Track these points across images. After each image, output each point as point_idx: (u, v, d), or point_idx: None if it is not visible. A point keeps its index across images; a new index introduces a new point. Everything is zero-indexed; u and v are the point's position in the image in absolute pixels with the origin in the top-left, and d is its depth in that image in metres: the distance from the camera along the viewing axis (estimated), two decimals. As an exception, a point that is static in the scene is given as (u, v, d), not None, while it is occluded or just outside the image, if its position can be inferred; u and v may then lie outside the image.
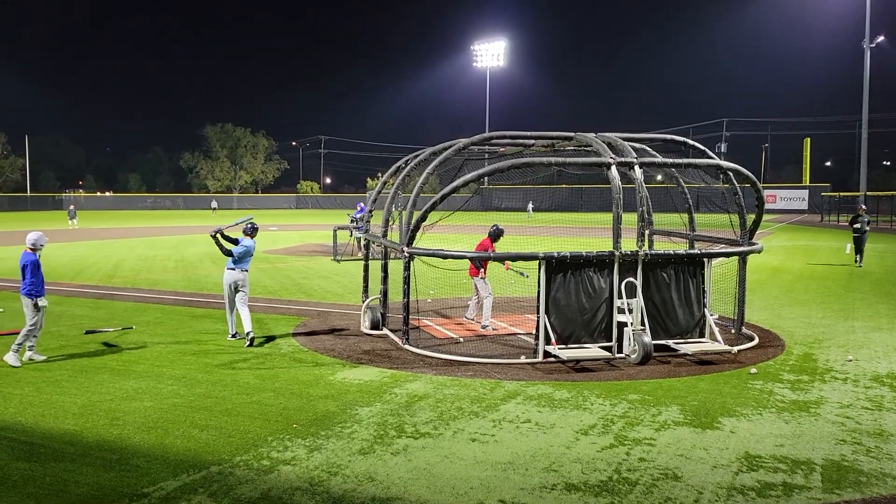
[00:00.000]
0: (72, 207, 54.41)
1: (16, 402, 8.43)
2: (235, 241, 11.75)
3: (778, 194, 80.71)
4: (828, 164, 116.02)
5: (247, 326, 11.57)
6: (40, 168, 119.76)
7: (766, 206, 14.50)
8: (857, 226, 24.21)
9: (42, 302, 10.21)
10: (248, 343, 11.42)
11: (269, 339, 12.08)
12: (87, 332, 12.54)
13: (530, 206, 67.37)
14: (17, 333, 12.19)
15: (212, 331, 12.78)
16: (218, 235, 11.64)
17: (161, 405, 8.35)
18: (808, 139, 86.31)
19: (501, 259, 11.17)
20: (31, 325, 10.21)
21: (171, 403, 8.42)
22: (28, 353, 10.40)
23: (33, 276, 10.16)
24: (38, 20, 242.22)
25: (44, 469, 6.43)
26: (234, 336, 12.02)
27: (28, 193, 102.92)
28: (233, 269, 11.73)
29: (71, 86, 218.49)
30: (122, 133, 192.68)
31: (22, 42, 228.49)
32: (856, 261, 24.09)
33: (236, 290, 11.75)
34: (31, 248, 10.38)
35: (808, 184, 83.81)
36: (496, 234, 12.90)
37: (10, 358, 10.16)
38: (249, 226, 12.11)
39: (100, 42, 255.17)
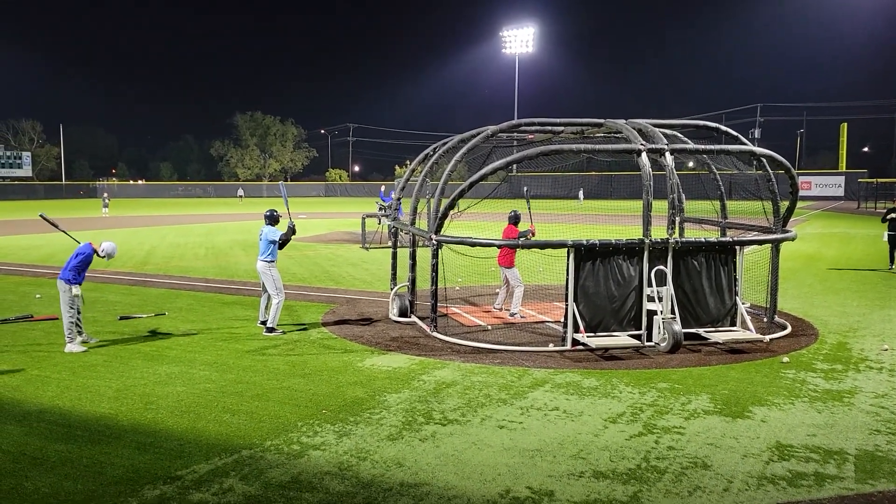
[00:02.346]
0: (105, 196, 55.34)
1: (53, 386, 8.63)
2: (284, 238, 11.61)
3: (813, 181, 79.26)
4: (865, 149, 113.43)
5: (260, 316, 11.88)
6: (75, 157, 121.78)
7: (801, 192, 14.27)
8: (894, 215, 19.57)
9: (76, 290, 10.39)
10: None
11: (299, 326, 12.20)
12: (121, 318, 12.77)
13: (581, 192, 66.88)
14: (54, 319, 12.48)
15: (242, 317, 12.94)
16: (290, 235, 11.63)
17: (193, 390, 8.49)
18: (845, 124, 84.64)
19: (530, 247, 11.14)
20: (70, 314, 10.39)
21: (203, 388, 8.55)
22: (80, 338, 10.60)
23: (80, 265, 10.39)
24: (70, 10, 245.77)
25: (81, 451, 6.58)
26: (262, 323, 12.08)
27: (63, 182, 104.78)
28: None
29: (104, 75, 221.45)
30: (154, 122, 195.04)
31: (56, 32, 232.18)
32: (890, 267, 19.57)
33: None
34: (98, 251, 10.63)
35: (844, 170, 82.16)
36: (517, 218, 12.91)
37: (73, 347, 10.35)
38: (269, 213, 11.88)
39: (131, 32, 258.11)
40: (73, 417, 7.54)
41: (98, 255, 10.77)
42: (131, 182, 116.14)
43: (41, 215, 11.08)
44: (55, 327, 11.88)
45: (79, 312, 10.50)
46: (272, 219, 11.81)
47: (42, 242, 27.91)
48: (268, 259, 11.57)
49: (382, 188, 32.42)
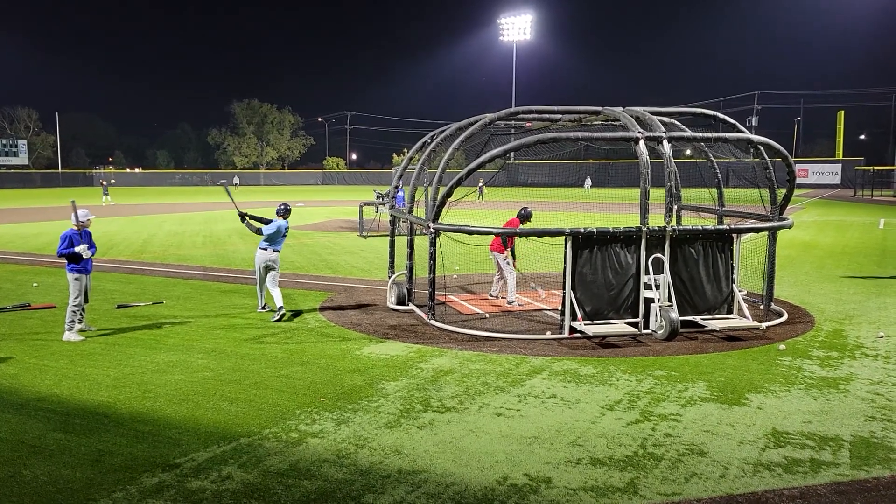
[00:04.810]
0: (105, 184, 55.09)
1: (51, 375, 8.63)
2: (266, 222, 11.93)
3: (810, 168, 79.31)
4: (862, 137, 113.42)
5: (278, 302, 11.74)
6: (71, 145, 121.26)
7: (798, 180, 14.28)
8: None
9: (70, 276, 10.37)
10: (276, 317, 11.54)
11: (297, 313, 12.21)
12: (119, 307, 12.76)
13: (588, 181, 66.87)
14: (52, 308, 12.48)
15: (240, 305, 12.95)
16: (247, 218, 12.07)
17: (191, 378, 8.50)
18: (842, 112, 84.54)
19: (527, 235, 11.13)
20: (74, 301, 10.38)
21: (202, 377, 8.57)
22: (79, 326, 10.59)
23: (63, 247, 10.33)
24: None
25: (79, 439, 6.60)
26: (263, 308, 12.22)
27: (60, 170, 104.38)
28: (265, 249, 11.87)
29: (101, 63, 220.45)
30: (151, 109, 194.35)
31: (52, 19, 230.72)
32: None
33: (268, 270, 11.91)
34: (75, 225, 10.56)
35: (841, 158, 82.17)
36: (526, 217, 12.86)
37: (71, 336, 10.33)
38: (282, 207, 12.32)
39: (127, 18, 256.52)
40: (71, 406, 7.55)
41: (76, 227, 10.56)
42: (128, 170, 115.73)
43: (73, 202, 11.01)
44: (52, 316, 11.88)
45: (85, 300, 10.52)
46: (285, 212, 12.24)
47: (39, 231, 27.85)
48: (279, 249, 12.02)
49: (402, 193, 32.14)
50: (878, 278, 15.93)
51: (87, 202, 50.70)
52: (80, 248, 10.35)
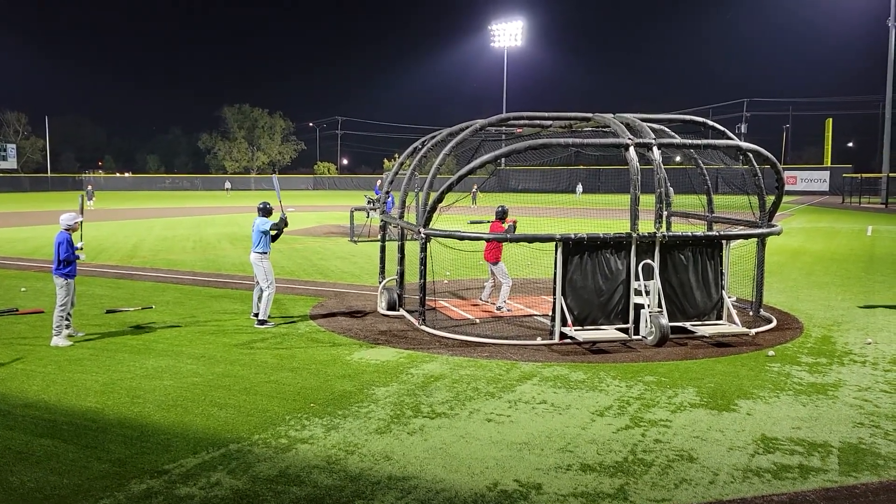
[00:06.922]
0: (89, 188, 54.71)
1: (39, 380, 8.57)
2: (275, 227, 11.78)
3: (798, 175, 79.75)
4: (850, 144, 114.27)
5: (253, 308, 11.83)
6: (61, 149, 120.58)
7: (787, 187, 14.37)
8: None
9: (59, 281, 10.33)
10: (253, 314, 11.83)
11: (287, 319, 12.17)
12: (108, 312, 12.69)
13: (580, 187, 66.99)
14: (40, 312, 12.40)
15: (230, 311, 12.90)
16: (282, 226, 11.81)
17: (181, 384, 8.46)
18: (831, 120, 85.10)
19: (518, 240, 11.15)
20: (61, 305, 10.32)
21: (191, 382, 8.52)
22: (66, 331, 10.52)
23: (72, 250, 10.32)
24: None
25: (66, 445, 6.55)
26: (254, 315, 12.11)
27: (49, 174, 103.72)
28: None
29: (90, 66, 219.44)
30: (141, 113, 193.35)
31: (42, 22, 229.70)
32: None
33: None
34: (65, 229, 10.51)
35: (829, 165, 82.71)
36: (503, 214, 12.90)
37: (59, 341, 10.26)
38: (262, 205, 11.96)
39: (119, 22, 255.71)
40: (59, 411, 7.49)
41: (66, 231, 10.51)
42: (118, 175, 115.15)
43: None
44: (40, 321, 11.80)
45: (71, 305, 10.47)
46: (265, 211, 11.88)
47: (28, 235, 27.68)
48: (259, 251, 11.65)
49: (378, 182, 32.33)
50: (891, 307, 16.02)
51: (75, 207, 50.36)
52: (61, 281, 10.33)
